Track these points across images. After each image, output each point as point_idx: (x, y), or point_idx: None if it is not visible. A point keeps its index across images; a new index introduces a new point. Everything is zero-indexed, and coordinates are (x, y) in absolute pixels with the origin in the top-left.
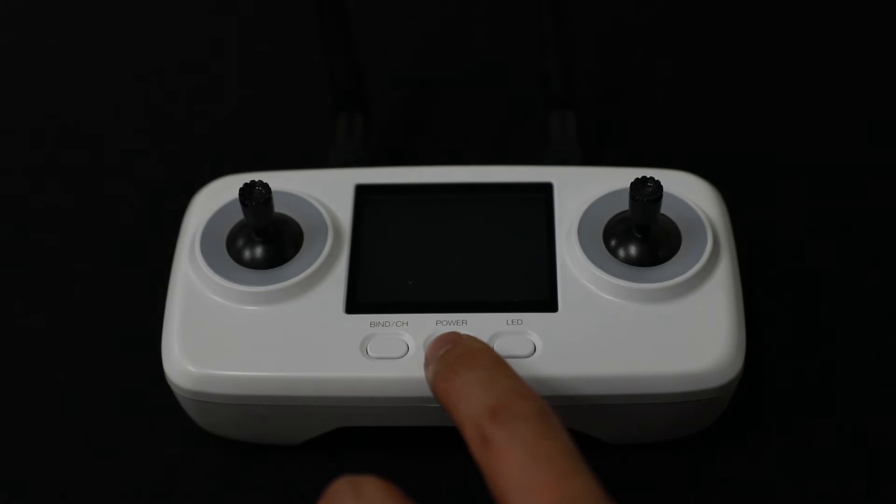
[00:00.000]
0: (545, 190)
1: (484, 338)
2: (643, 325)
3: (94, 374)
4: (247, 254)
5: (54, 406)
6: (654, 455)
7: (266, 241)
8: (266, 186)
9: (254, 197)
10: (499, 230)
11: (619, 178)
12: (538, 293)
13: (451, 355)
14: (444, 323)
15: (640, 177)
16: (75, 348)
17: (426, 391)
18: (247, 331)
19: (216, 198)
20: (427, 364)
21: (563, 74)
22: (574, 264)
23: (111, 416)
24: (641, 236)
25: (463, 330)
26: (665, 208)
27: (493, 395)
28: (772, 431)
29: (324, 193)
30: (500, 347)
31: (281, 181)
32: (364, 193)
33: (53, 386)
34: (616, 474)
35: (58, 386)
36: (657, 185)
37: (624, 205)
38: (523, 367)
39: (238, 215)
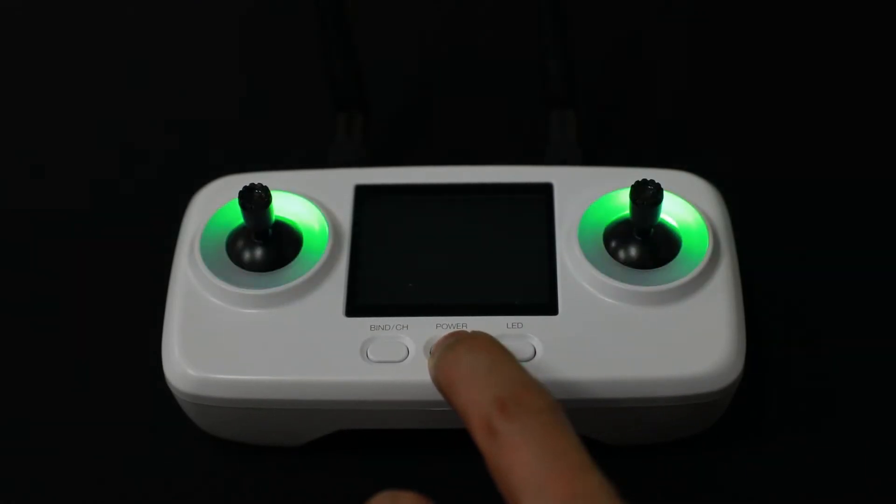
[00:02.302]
0: (545, 190)
1: None
2: (643, 328)
3: (95, 374)
4: (246, 256)
5: (55, 406)
6: (654, 456)
7: (266, 243)
8: (265, 189)
9: (253, 200)
10: (499, 231)
11: (619, 178)
12: (538, 296)
13: (452, 341)
14: (445, 326)
15: (640, 179)
16: (75, 348)
17: (427, 394)
18: (247, 334)
19: (216, 198)
20: (431, 356)
21: (564, 74)
22: (574, 266)
23: (111, 417)
24: (642, 238)
25: None
26: (665, 209)
27: (500, 386)
28: (771, 433)
29: (323, 194)
30: None
31: (281, 181)
32: (364, 194)
33: (54, 386)
34: (616, 475)
35: (58, 386)
36: (657, 188)
37: (624, 205)
38: None
39: (238, 216)
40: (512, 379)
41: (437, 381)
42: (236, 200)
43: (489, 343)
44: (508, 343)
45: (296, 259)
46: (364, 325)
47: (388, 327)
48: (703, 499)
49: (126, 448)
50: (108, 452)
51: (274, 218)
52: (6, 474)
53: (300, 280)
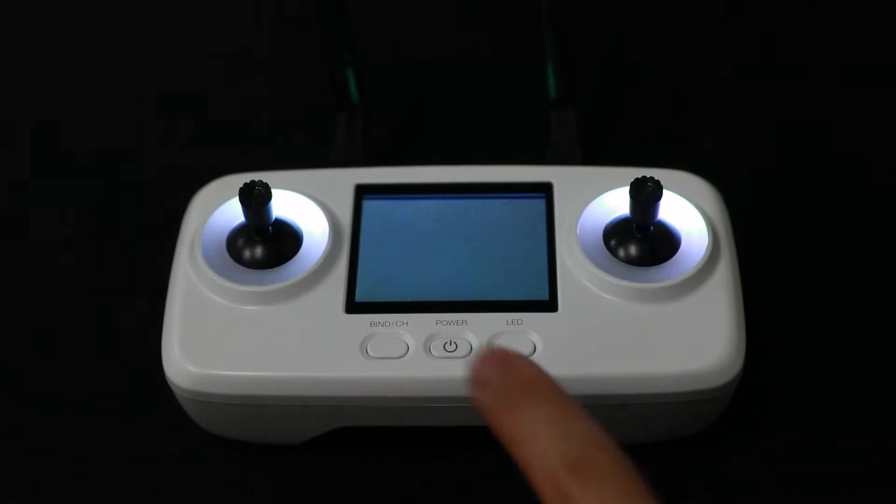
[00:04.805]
0: (545, 190)
1: (484, 338)
2: (643, 325)
3: (94, 374)
4: (247, 254)
5: (54, 406)
6: (654, 455)
7: (266, 240)
8: (266, 186)
9: (254, 197)
10: (499, 230)
11: (619, 178)
12: (538, 293)
13: (509, 383)
14: (444, 323)
15: (639, 177)
16: (76, 349)
17: (426, 391)
18: (247, 331)
19: (216, 198)
20: (478, 385)
21: (564, 74)
22: (574, 264)
23: (111, 416)
24: (641, 236)
25: (463, 330)
26: (665, 208)
27: (567, 442)
28: (771, 431)
29: (324, 193)
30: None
31: (281, 181)
32: (364, 193)
33: (54, 386)
34: None
35: (58, 386)
36: (657, 185)
37: (624, 205)
38: None
39: (238, 215)
40: (580, 435)
41: (494, 425)
42: (236, 199)
43: (549, 389)
44: (508, 340)
45: (296, 256)
46: (364, 321)
47: (387, 324)
48: (704, 499)
49: (126, 447)
50: (108, 452)
51: (274, 216)
52: (6, 474)
53: (300, 277)
